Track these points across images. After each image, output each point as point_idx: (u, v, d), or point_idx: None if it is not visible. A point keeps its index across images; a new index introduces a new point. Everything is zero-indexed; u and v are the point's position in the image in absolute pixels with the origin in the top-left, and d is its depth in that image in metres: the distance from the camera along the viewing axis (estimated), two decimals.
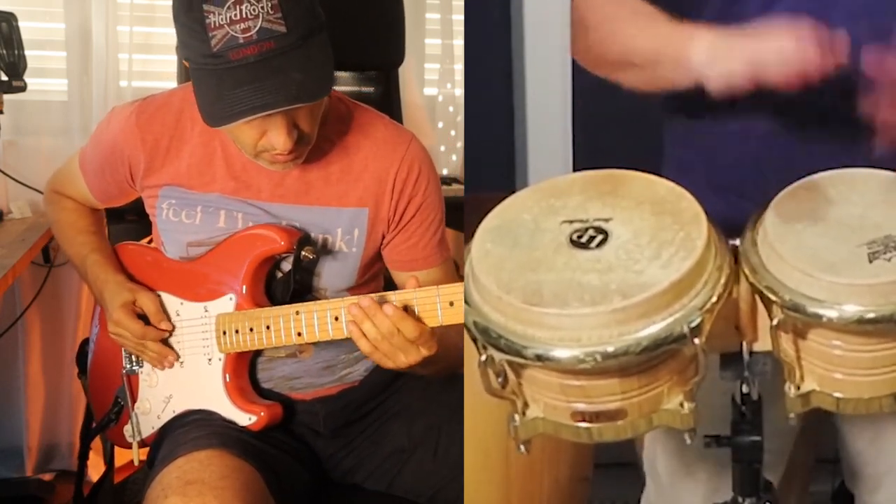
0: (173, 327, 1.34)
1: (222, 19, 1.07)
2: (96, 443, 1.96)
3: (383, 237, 1.34)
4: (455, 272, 1.40)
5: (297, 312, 1.23)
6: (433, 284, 1.19)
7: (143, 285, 1.37)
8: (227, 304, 1.31)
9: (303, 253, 1.26)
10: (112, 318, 1.32)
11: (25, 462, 2.22)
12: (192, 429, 1.28)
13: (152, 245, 1.43)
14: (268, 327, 1.25)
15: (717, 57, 1.06)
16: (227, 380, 1.31)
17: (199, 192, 1.31)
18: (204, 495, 1.10)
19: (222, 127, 1.13)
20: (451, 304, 1.13)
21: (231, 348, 1.30)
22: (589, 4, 1.18)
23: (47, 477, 2.23)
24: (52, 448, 2.24)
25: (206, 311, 1.32)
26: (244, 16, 1.06)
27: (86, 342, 1.56)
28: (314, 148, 1.25)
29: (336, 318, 1.19)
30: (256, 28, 1.07)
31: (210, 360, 1.32)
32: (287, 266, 1.30)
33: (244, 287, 1.29)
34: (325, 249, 1.31)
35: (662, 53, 1.11)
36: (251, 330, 1.27)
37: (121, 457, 1.99)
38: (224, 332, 1.30)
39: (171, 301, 1.35)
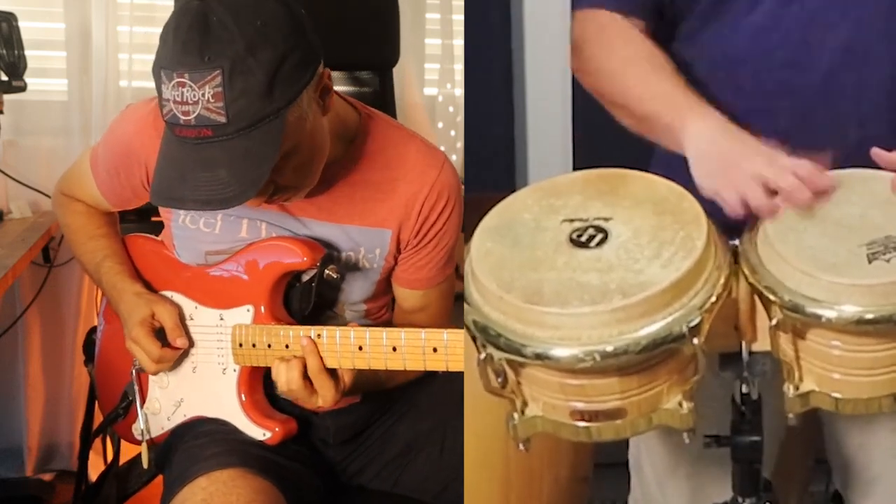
0: (191, 343, 1.30)
1: (169, 94, 1.03)
2: (96, 443, 1.96)
3: (400, 253, 1.33)
4: (453, 287, 1.40)
5: (319, 335, 1.19)
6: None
7: (154, 285, 1.34)
8: (244, 315, 1.27)
9: (326, 272, 1.24)
10: (130, 335, 1.28)
11: (25, 462, 2.22)
12: (209, 444, 1.24)
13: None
14: (287, 346, 1.22)
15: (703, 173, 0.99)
16: (243, 394, 1.28)
17: None
18: None
19: None
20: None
21: (247, 361, 1.27)
22: (586, 26, 1.13)
23: (47, 477, 2.22)
24: (52, 448, 2.24)
25: (222, 319, 1.29)
26: (184, 99, 1.02)
27: (93, 330, 1.53)
28: (344, 164, 1.25)
29: (360, 348, 1.17)
30: (195, 114, 1.02)
31: (224, 370, 1.29)
32: (306, 277, 1.28)
33: (263, 300, 1.26)
34: (347, 266, 1.29)
35: (656, 119, 1.05)
36: (269, 346, 1.23)
37: (126, 452, 1.99)
38: (240, 345, 1.26)
39: (185, 303, 1.31)
